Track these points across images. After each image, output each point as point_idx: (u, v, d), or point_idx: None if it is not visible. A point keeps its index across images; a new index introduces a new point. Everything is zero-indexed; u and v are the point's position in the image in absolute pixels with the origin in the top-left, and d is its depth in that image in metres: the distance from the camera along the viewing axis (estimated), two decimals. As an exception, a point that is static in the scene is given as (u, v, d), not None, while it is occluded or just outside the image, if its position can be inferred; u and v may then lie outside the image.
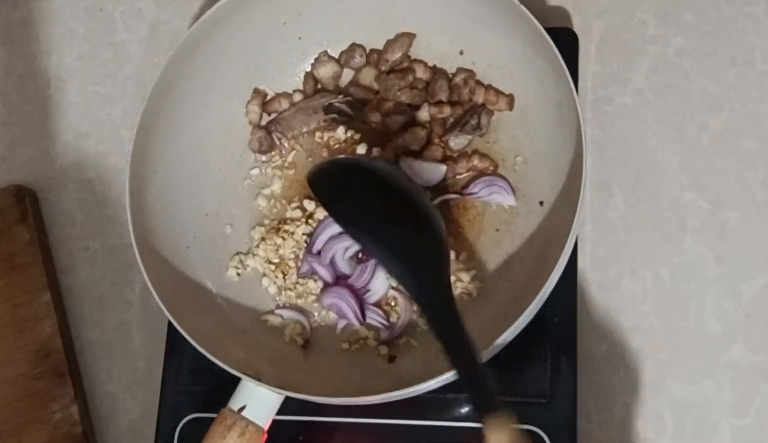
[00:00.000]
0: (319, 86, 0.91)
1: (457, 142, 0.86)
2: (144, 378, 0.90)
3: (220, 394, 0.78)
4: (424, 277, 0.71)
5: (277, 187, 0.89)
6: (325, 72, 0.91)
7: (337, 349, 0.84)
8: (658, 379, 0.81)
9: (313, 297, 0.86)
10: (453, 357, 0.67)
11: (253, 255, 0.88)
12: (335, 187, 0.75)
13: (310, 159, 0.90)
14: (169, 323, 0.87)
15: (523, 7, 0.79)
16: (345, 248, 0.84)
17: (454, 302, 0.70)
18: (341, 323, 0.84)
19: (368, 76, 0.90)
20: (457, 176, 0.86)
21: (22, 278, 0.93)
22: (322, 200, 0.77)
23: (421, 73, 0.89)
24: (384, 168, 0.78)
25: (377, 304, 0.84)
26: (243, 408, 0.75)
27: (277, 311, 0.86)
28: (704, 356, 0.81)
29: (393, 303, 0.84)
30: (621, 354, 0.82)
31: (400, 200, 0.75)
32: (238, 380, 0.77)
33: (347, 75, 0.92)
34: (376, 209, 0.73)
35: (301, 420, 0.84)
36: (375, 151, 0.87)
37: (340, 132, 0.89)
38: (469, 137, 0.86)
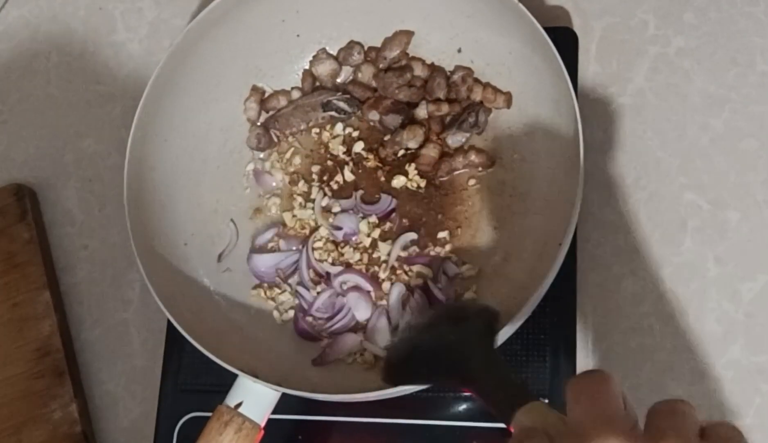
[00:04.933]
0: (317, 84, 0.92)
1: (455, 139, 0.86)
2: (143, 377, 0.90)
3: (220, 393, 0.77)
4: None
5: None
6: (324, 69, 0.91)
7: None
8: (658, 379, 0.81)
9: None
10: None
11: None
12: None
13: (308, 157, 0.90)
14: (169, 322, 0.87)
15: (521, 6, 0.80)
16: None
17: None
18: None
19: (366, 74, 0.90)
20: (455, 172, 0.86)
21: (21, 277, 0.93)
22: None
23: (419, 70, 0.89)
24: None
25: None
26: (240, 404, 0.75)
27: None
28: (704, 356, 0.81)
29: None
30: (621, 354, 0.82)
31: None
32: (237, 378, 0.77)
33: (345, 72, 0.92)
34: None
35: (299, 419, 0.84)
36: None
37: (338, 129, 0.90)
38: (467, 134, 0.86)
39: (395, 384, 0.74)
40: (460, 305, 0.82)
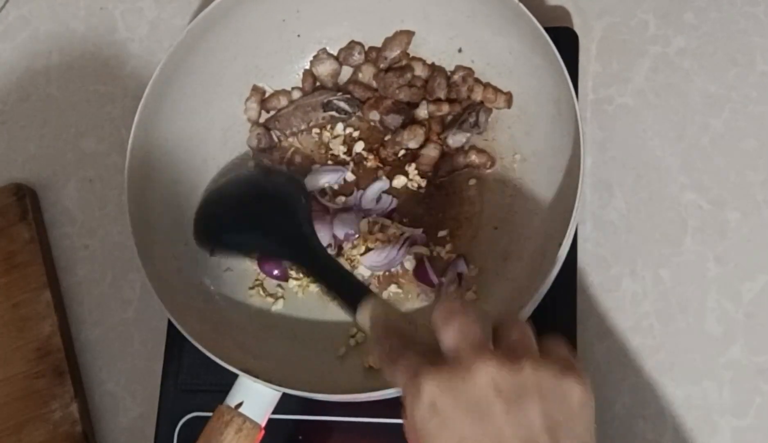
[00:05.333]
0: (317, 84, 0.92)
1: (456, 140, 0.86)
2: (144, 377, 0.90)
3: (220, 393, 0.77)
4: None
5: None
6: (324, 69, 0.91)
7: (335, 345, 0.84)
8: (658, 379, 0.81)
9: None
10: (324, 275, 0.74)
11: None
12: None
13: (308, 157, 0.90)
14: (169, 322, 0.87)
15: (521, 6, 0.80)
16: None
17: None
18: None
19: (367, 74, 0.90)
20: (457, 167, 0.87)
21: (21, 277, 0.93)
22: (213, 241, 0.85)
23: (419, 70, 0.89)
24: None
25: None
26: (240, 404, 0.75)
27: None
28: (704, 356, 0.81)
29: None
30: (621, 353, 0.82)
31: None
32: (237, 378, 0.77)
33: (346, 72, 0.92)
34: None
35: (300, 418, 0.83)
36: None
37: (339, 129, 0.90)
38: (468, 134, 0.86)
39: (208, 242, 0.82)
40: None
